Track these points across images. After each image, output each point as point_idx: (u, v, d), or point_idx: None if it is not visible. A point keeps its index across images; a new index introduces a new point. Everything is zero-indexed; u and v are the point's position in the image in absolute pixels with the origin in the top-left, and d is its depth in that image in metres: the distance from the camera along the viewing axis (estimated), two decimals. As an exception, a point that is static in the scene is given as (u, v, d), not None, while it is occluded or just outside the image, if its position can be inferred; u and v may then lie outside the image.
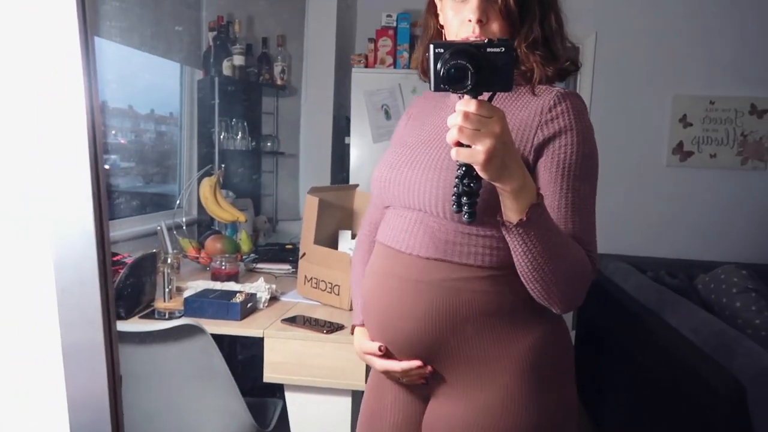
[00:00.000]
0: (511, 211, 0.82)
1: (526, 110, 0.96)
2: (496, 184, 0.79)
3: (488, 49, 0.75)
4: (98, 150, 0.55)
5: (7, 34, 0.53)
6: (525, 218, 0.81)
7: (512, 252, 0.88)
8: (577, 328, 3.16)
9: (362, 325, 1.12)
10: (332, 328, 1.53)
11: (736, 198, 3.63)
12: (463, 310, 0.95)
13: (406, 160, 1.02)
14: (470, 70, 0.73)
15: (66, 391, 0.56)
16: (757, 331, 2.23)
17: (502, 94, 0.93)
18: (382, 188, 1.05)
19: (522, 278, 0.90)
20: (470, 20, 0.94)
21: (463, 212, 0.79)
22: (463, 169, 0.78)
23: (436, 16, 1.05)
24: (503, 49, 0.75)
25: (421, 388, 1.06)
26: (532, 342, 0.97)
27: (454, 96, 0.97)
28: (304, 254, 1.79)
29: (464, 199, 0.79)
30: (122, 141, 2.62)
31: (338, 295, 1.70)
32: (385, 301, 1.02)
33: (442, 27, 1.04)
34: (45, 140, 0.53)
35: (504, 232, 0.85)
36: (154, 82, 2.81)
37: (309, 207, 1.76)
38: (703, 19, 3.53)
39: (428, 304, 0.96)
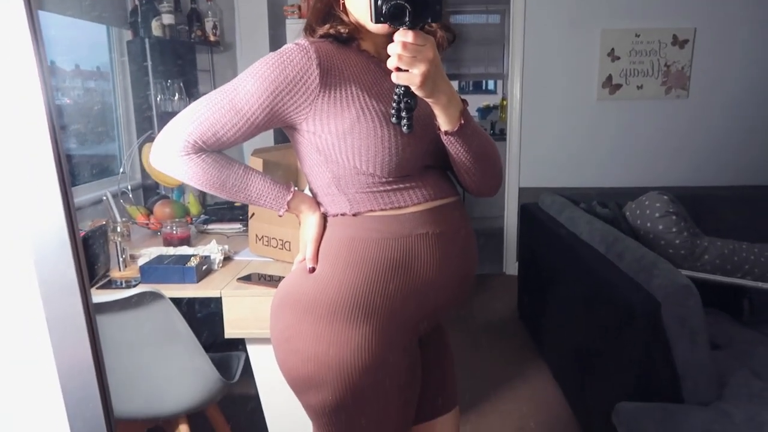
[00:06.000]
0: (445, 123, 0.98)
1: None
2: (429, 100, 0.94)
3: None
4: (56, 129, 0.58)
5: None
6: (464, 121, 0.99)
7: (456, 156, 1.04)
8: (520, 258, 3.37)
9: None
10: (286, 282, 1.61)
11: (661, 126, 3.84)
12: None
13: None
14: (408, 8, 0.86)
15: (55, 360, 0.62)
16: (678, 251, 2.44)
17: None
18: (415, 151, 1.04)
19: (466, 175, 1.08)
20: None
21: (403, 124, 0.94)
22: (402, 89, 0.91)
23: None
24: None
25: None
26: None
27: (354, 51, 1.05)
28: (253, 214, 1.85)
29: (404, 114, 0.93)
30: (68, 101, 2.52)
31: (289, 251, 1.78)
32: (458, 263, 1.09)
33: None
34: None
35: (448, 140, 1.01)
36: (75, 37, 2.66)
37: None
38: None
39: (474, 248, 1.15)
